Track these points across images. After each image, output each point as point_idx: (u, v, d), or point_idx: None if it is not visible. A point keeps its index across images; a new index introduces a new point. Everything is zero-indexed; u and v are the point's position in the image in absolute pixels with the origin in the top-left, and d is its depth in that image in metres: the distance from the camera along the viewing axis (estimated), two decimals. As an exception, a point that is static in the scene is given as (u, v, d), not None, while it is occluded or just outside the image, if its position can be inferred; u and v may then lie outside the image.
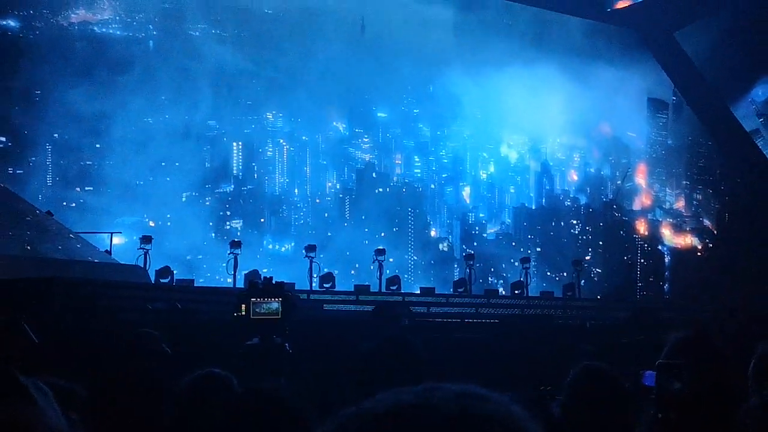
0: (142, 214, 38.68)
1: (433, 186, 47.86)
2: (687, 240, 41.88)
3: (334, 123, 47.01)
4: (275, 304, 7.03)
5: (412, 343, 3.16)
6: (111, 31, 42.65)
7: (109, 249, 24.32)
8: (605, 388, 3.51)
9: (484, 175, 47.78)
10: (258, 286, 7.25)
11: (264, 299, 7.03)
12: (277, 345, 6.92)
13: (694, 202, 43.48)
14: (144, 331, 4.85)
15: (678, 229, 42.85)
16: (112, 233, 25.85)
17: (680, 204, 44.14)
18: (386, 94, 45.91)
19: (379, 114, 47.96)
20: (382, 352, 3.14)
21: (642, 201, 44.78)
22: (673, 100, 43.10)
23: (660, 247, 42.31)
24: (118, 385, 4.42)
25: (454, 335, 12.98)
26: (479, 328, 17.57)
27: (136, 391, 4.34)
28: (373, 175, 47.33)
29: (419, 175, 48.31)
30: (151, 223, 38.08)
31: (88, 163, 39.51)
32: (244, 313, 6.96)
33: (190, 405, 3.01)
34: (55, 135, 39.03)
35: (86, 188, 39.32)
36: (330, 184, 47.20)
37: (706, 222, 42.30)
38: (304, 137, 46.55)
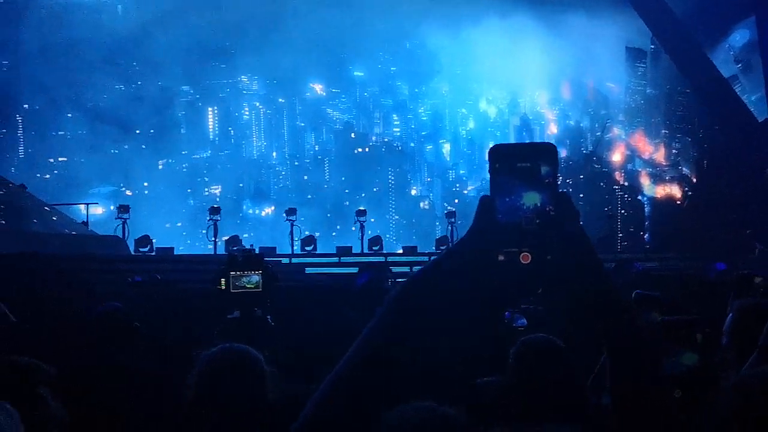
0: (119, 183, 38.19)
1: (412, 144, 47.61)
2: (666, 189, 42.07)
3: (311, 84, 46.40)
4: (256, 277, 6.87)
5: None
6: (77, -2, 41.56)
7: (86, 220, 23.96)
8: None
9: (464, 132, 47.56)
10: (238, 258, 7.07)
11: (244, 272, 6.87)
12: (258, 318, 6.78)
13: (673, 152, 43.59)
14: (112, 307, 4.67)
15: (657, 178, 43.01)
16: (88, 204, 25.43)
17: (659, 154, 44.25)
18: (362, 53, 45.30)
19: (355, 73, 47.39)
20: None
21: (621, 152, 44.85)
22: (651, 48, 42.84)
23: (640, 198, 42.50)
24: (85, 366, 4.31)
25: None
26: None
27: (100, 371, 4.24)
28: (352, 135, 46.97)
29: (398, 133, 48.01)
30: (128, 192, 37.63)
31: (60, 133, 38.78)
32: (223, 287, 6.80)
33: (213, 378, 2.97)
34: (26, 106, 38.22)
35: (60, 159, 38.68)
36: (308, 145, 46.81)
37: (685, 171, 42.48)
38: (280, 99, 45.98)
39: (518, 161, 1.44)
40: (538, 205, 1.42)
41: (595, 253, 1.45)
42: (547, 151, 1.45)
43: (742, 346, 3.43)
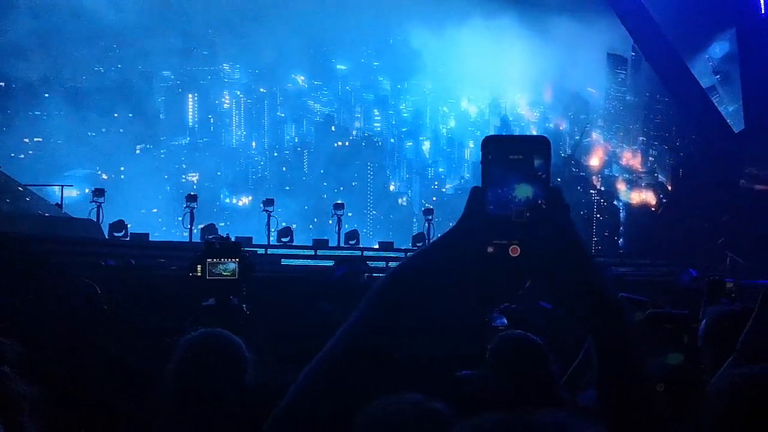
0: (95, 166, 37.75)
1: (392, 140, 47.59)
2: (642, 195, 42.45)
3: (293, 75, 46.19)
4: (232, 265, 6.82)
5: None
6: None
7: (60, 202, 23.63)
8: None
9: (444, 130, 47.62)
10: (214, 245, 7.01)
11: (220, 260, 6.81)
12: (234, 306, 6.74)
13: (650, 158, 43.98)
14: (85, 284, 4.63)
15: (633, 184, 43.38)
16: (63, 186, 25.07)
17: (636, 160, 44.65)
18: (346, 46, 45.17)
19: (338, 66, 47.24)
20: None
21: (599, 156, 45.20)
22: (632, 55, 43.17)
23: (615, 203, 42.86)
24: (54, 345, 4.26)
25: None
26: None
27: (67, 349, 4.20)
28: (332, 128, 46.83)
29: (379, 129, 47.95)
30: (104, 176, 37.25)
31: (37, 113, 38.23)
32: (199, 273, 6.74)
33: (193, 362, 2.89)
34: (1, 84, 37.65)
35: (35, 139, 38.14)
36: (288, 137, 46.61)
37: (661, 178, 42.89)
38: (262, 89, 45.71)
39: (511, 153, 1.44)
40: (530, 198, 1.41)
41: (584, 248, 1.44)
42: (540, 144, 1.45)
43: (715, 351, 3.48)
